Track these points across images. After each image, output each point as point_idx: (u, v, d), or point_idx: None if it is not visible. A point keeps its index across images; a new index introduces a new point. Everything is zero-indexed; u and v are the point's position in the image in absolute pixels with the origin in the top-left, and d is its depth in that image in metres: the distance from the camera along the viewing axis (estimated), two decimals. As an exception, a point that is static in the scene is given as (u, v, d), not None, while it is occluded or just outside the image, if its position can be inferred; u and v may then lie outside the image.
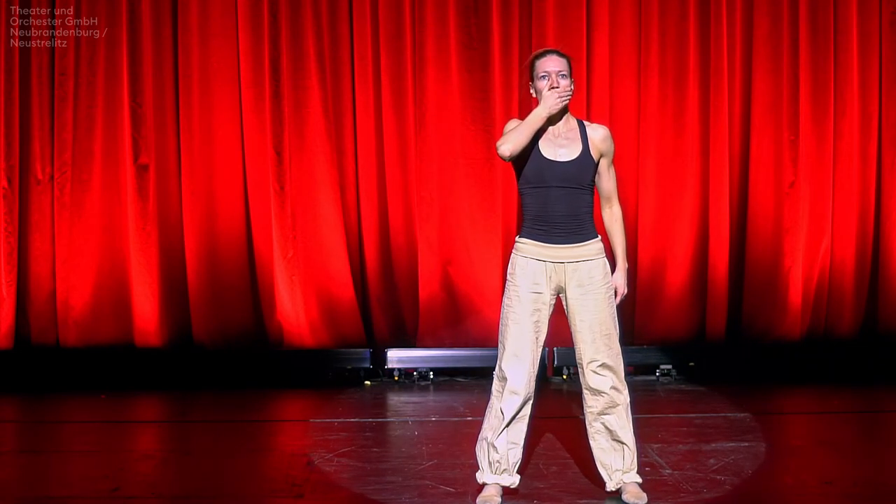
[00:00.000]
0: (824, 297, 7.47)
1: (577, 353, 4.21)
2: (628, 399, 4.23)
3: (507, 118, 7.07)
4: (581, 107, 7.33)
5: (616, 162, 7.42)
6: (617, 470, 4.23)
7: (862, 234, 7.49)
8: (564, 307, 4.21)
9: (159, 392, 7.03)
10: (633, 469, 4.24)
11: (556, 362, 7.30)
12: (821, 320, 7.47)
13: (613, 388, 4.17)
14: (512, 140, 4.04)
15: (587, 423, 4.25)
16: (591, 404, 4.21)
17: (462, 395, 6.82)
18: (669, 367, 7.36)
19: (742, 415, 6.04)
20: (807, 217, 7.43)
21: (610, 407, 4.18)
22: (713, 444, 5.20)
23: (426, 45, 7.34)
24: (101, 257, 7.34)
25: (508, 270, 4.20)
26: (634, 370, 7.49)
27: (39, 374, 7.22)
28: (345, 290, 7.36)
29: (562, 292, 4.19)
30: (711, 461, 4.85)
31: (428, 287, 7.33)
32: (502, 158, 4.08)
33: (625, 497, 4.19)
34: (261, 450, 5.41)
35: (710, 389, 6.92)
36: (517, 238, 4.21)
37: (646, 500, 4.17)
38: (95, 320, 7.30)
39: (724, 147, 7.37)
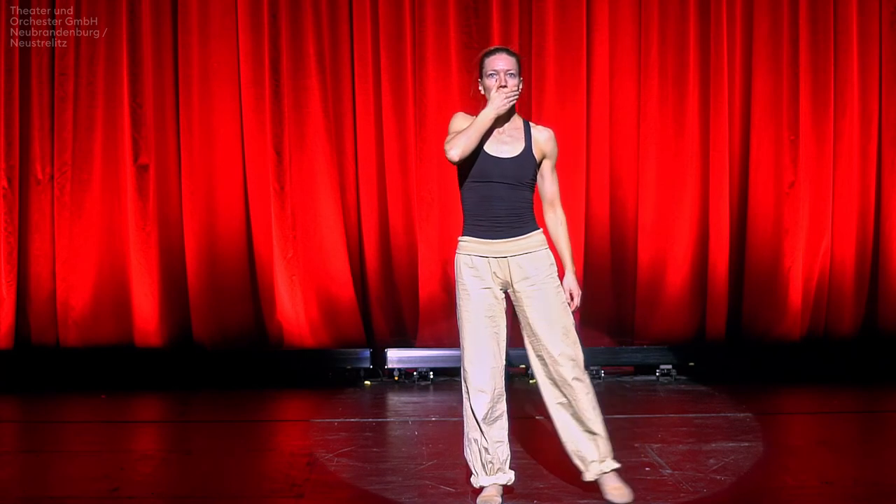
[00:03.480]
0: (824, 297, 7.46)
1: (532, 348, 4.17)
2: (592, 388, 4.18)
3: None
4: (581, 107, 7.34)
5: (616, 162, 7.53)
6: (593, 461, 4.19)
7: (862, 234, 7.49)
8: (514, 303, 4.20)
9: (159, 392, 7.03)
10: (609, 456, 4.20)
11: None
12: (821, 320, 7.47)
13: (576, 378, 4.13)
14: (461, 144, 4.06)
15: (553, 416, 4.20)
16: (556, 396, 4.16)
17: (462, 395, 6.80)
18: (669, 367, 7.36)
19: (742, 415, 6.04)
20: (807, 217, 7.43)
21: (576, 399, 4.13)
22: (713, 444, 5.20)
23: (426, 45, 7.34)
24: (101, 257, 7.34)
25: (455, 271, 4.19)
26: (634, 370, 7.50)
27: (39, 374, 7.22)
28: (345, 290, 7.36)
29: (508, 288, 4.17)
30: (711, 461, 4.85)
31: (428, 287, 7.33)
32: (451, 162, 4.09)
33: (609, 496, 4.16)
34: (261, 450, 5.41)
35: (710, 389, 6.92)
36: (459, 238, 4.21)
37: (631, 496, 4.14)
38: (95, 320, 7.30)
39: (724, 147, 7.38)
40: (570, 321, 4.16)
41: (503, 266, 4.14)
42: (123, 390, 6.99)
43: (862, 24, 7.43)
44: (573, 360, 4.13)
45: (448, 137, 4.12)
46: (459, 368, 7.25)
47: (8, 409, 6.66)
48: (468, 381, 4.17)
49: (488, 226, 4.13)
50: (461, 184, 4.20)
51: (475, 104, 7.61)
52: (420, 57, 7.34)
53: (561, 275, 4.23)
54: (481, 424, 4.15)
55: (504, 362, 4.22)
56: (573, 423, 4.18)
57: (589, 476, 4.20)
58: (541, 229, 4.21)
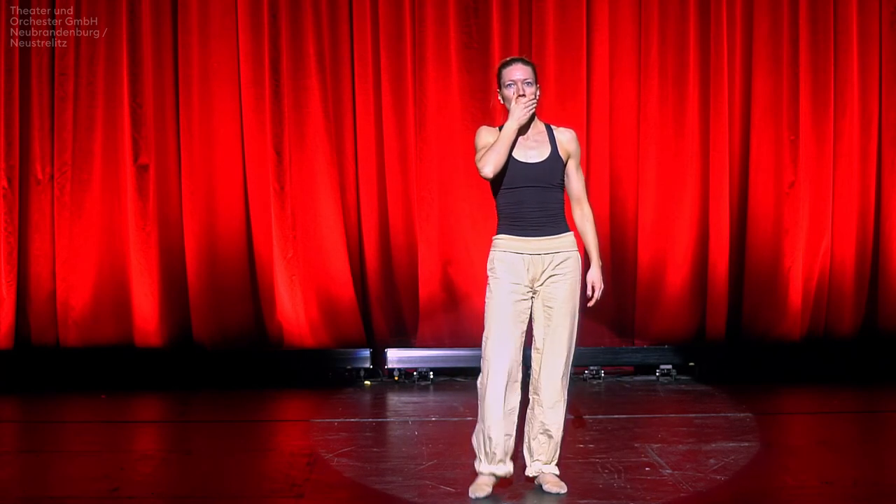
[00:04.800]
0: (824, 297, 7.46)
1: (535, 338, 4.36)
2: (565, 397, 4.39)
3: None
4: (581, 107, 7.34)
5: (616, 162, 7.53)
6: (537, 460, 4.40)
7: (862, 234, 7.49)
8: (532, 297, 4.34)
9: (159, 392, 7.02)
10: (554, 461, 4.41)
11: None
12: (821, 320, 7.47)
13: (557, 381, 4.34)
14: (492, 161, 4.26)
15: (530, 406, 4.40)
16: (537, 388, 4.36)
17: (462, 395, 6.81)
18: (669, 367, 7.36)
19: (742, 415, 6.04)
20: (807, 217, 7.43)
21: (547, 400, 4.34)
22: (713, 444, 5.20)
23: (426, 45, 7.34)
24: (101, 257, 7.34)
25: (488, 266, 4.35)
26: (634, 370, 7.50)
27: (39, 374, 7.22)
28: (345, 290, 7.36)
29: (535, 283, 4.33)
30: (711, 461, 4.85)
31: (428, 287, 7.33)
32: (485, 179, 4.30)
33: (546, 487, 4.34)
34: (261, 450, 5.40)
35: (710, 389, 6.92)
36: (494, 237, 4.36)
37: (565, 489, 4.32)
38: (95, 320, 7.30)
39: (724, 147, 7.38)
40: (573, 326, 4.36)
41: (536, 263, 4.30)
42: (123, 390, 6.99)
43: (862, 24, 7.43)
44: (561, 365, 4.34)
45: (477, 155, 4.31)
46: (459, 368, 7.38)
47: (8, 409, 6.65)
48: (489, 362, 4.27)
49: (524, 226, 4.30)
50: (494, 191, 4.38)
51: (476, 103, 7.66)
52: (420, 57, 7.34)
53: (587, 268, 4.44)
54: (494, 410, 4.26)
55: (521, 359, 4.34)
56: (538, 418, 4.38)
57: (530, 471, 4.42)
58: (572, 232, 4.38)
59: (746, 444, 5.23)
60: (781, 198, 7.42)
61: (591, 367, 7.35)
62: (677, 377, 7.34)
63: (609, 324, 7.55)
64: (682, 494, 4.32)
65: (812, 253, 7.43)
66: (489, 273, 4.33)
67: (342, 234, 7.38)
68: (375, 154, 7.42)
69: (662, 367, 7.36)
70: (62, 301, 7.30)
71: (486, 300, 4.32)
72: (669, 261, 7.46)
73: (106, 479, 4.65)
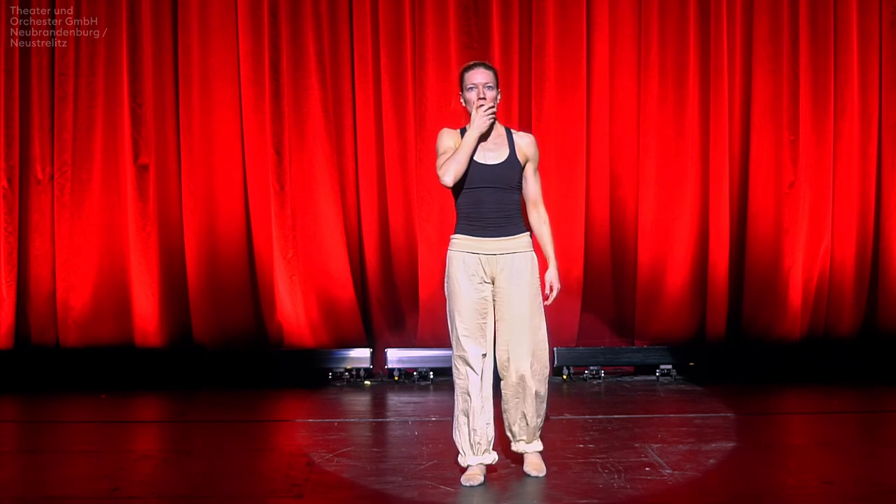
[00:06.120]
0: (824, 297, 7.47)
1: (502, 340, 4.41)
2: (544, 394, 4.46)
3: (507, 119, 7.09)
4: (581, 106, 7.35)
5: (616, 162, 7.53)
6: (521, 440, 4.50)
7: (862, 234, 7.50)
8: (495, 298, 4.43)
9: (159, 392, 7.03)
10: (535, 439, 4.52)
11: (555, 362, 7.31)
12: (821, 320, 7.48)
13: (531, 378, 4.40)
14: (452, 170, 4.35)
15: (503, 399, 4.48)
16: (513, 384, 4.42)
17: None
18: (669, 367, 7.36)
19: (742, 415, 6.04)
20: (807, 217, 7.43)
21: (526, 396, 4.41)
22: (713, 444, 5.20)
23: (426, 45, 7.34)
24: (101, 257, 7.35)
25: (446, 267, 4.44)
26: (634, 370, 7.50)
27: (39, 374, 7.22)
28: (345, 290, 7.36)
29: (493, 284, 4.42)
30: (711, 461, 4.85)
31: (428, 287, 7.33)
32: (446, 186, 4.36)
33: (526, 468, 4.44)
34: (261, 450, 5.40)
35: (710, 389, 6.92)
36: (452, 236, 4.45)
37: (544, 471, 4.41)
38: (95, 320, 7.31)
39: (724, 147, 7.38)
40: (541, 322, 4.43)
41: (491, 263, 4.39)
42: (123, 390, 6.99)
43: (862, 24, 7.44)
44: (536, 358, 4.40)
45: (438, 161, 4.38)
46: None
47: (8, 409, 6.65)
48: (461, 357, 4.38)
49: (480, 226, 4.39)
50: (455, 192, 4.46)
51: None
52: (420, 57, 7.34)
53: (545, 269, 4.49)
54: (474, 402, 4.37)
55: (492, 353, 4.44)
56: (516, 408, 4.45)
57: (515, 448, 4.52)
58: (528, 232, 4.47)
59: (746, 444, 5.23)
60: (781, 198, 7.42)
61: (591, 367, 7.36)
62: (677, 377, 7.35)
63: (609, 324, 7.56)
64: (681, 495, 4.32)
65: (812, 253, 7.44)
66: (447, 273, 4.42)
67: (342, 234, 7.38)
68: (375, 154, 7.42)
69: (662, 367, 7.36)
70: (62, 301, 7.30)
71: (447, 298, 4.42)
72: (669, 261, 7.46)
73: (106, 479, 4.65)
